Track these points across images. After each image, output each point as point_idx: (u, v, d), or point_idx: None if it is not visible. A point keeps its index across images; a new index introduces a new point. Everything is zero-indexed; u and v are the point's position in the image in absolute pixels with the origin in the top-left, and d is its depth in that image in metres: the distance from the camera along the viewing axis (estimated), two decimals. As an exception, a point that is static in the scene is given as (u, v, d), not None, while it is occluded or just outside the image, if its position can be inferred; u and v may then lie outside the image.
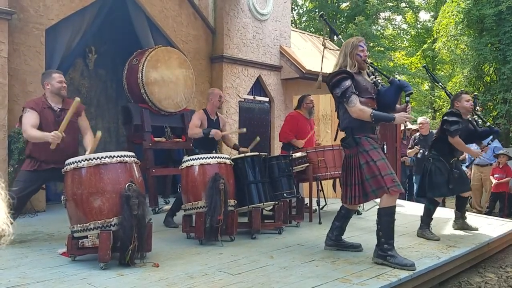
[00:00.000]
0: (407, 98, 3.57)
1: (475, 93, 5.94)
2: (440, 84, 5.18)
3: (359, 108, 3.45)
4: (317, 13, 22.86)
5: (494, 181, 7.79)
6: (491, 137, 4.80)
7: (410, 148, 7.68)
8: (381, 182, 3.41)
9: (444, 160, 4.63)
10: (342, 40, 4.06)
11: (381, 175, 3.41)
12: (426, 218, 4.60)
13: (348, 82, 3.48)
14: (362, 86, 3.55)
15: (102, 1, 6.59)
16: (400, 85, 3.59)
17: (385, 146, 6.46)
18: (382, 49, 21.50)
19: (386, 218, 3.45)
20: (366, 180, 3.48)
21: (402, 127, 7.17)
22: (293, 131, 5.87)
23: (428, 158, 4.77)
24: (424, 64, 5.53)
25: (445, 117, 4.60)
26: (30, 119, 3.87)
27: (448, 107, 5.13)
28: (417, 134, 7.75)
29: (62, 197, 3.45)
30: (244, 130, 5.44)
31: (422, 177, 4.81)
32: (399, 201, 3.62)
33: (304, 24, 24.40)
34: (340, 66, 3.64)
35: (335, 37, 4.89)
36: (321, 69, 4.29)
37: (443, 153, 4.65)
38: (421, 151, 7.31)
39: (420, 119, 7.88)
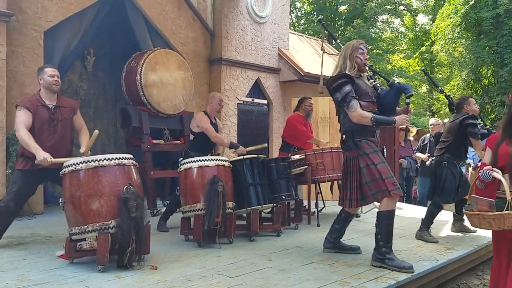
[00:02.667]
0: (407, 100, 3.58)
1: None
2: (439, 88, 5.19)
3: (359, 113, 3.45)
4: (315, 16, 22.92)
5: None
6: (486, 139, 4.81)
7: (419, 151, 7.53)
8: (381, 185, 3.41)
9: (457, 163, 4.65)
10: (341, 45, 4.07)
11: (382, 178, 3.41)
12: (427, 221, 4.60)
13: (348, 87, 3.48)
14: (362, 90, 3.55)
15: (101, 3, 6.59)
16: (400, 88, 3.59)
17: (385, 150, 6.43)
18: (380, 51, 21.57)
19: (385, 221, 3.45)
20: (366, 183, 3.47)
21: (403, 127, 7.10)
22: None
23: (443, 162, 4.67)
24: (423, 68, 5.54)
25: (470, 121, 4.56)
26: (23, 118, 3.79)
27: (446, 110, 5.13)
28: (427, 135, 7.61)
29: (60, 199, 3.45)
30: (265, 145, 5.39)
31: (435, 181, 4.73)
32: (397, 204, 3.64)
33: (302, 26, 24.46)
34: (340, 69, 3.63)
35: (333, 40, 4.90)
36: (322, 73, 4.29)
37: (457, 157, 4.66)
38: (431, 159, 7.13)
39: (432, 120, 7.77)
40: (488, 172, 2.60)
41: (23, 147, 3.85)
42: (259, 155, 4.81)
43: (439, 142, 4.93)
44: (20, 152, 3.93)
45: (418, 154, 7.41)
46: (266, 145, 5.26)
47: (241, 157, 4.71)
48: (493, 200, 2.58)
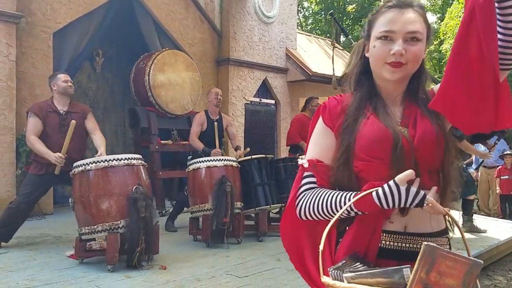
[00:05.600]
0: None
1: None
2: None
3: None
4: (323, 15, 22.89)
5: (502, 181, 7.67)
6: (496, 137, 4.75)
7: None
8: None
9: None
10: (352, 41, 4.04)
11: None
12: None
13: None
14: None
15: (109, 4, 6.62)
16: None
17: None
18: (388, 51, 21.44)
19: None
20: None
21: None
22: (300, 134, 5.86)
23: None
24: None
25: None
26: (33, 125, 3.87)
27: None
28: None
29: (70, 199, 3.47)
30: (248, 149, 5.34)
31: None
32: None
33: (310, 26, 24.41)
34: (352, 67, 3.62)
35: (341, 38, 4.88)
36: (333, 70, 4.28)
37: None
38: None
39: None
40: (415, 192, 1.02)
41: (35, 154, 3.93)
42: (267, 155, 4.80)
43: None
44: (33, 158, 4.00)
45: None
46: (248, 149, 5.23)
47: (249, 157, 4.70)
48: (480, 261, 1.00)
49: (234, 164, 4.40)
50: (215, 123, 4.93)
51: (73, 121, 3.81)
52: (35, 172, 3.94)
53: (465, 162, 4.98)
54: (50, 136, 3.90)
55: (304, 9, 24.74)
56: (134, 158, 3.47)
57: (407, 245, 1.10)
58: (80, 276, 3.16)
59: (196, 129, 4.90)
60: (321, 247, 1.00)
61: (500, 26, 0.99)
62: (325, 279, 1.00)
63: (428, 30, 1.16)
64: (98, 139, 4.00)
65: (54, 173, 3.88)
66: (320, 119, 1.22)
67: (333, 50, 4.41)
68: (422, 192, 1.01)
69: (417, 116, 1.14)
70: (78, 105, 4.22)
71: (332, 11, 4.75)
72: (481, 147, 5.92)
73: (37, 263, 3.53)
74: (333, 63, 4.24)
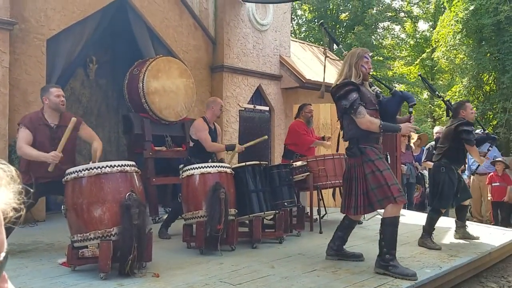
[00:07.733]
0: (410, 109, 3.60)
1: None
2: (437, 93, 5.21)
3: (368, 119, 3.47)
4: (316, 23, 23.05)
5: (493, 188, 7.71)
6: (488, 144, 4.81)
7: (427, 159, 7.50)
8: (387, 192, 3.40)
9: (455, 169, 4.65)
10: (343, 49, 4.08)
11: (387, 184, 3.41)
12: (429, 227, 4.59)
13: (355, 94, 3.49)
14: (366, 98, 3.57)
15: (103, 11, 6.63)
16: (403, 97, 3.63)
17: (388, 157, 6.42)
18: (381, 58, 21.63)
19: (390, 228, 3.44)
20: (372, 190, 3.47)
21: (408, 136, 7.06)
22: (299, 138, 5.87)
23: (441, 167, 4.70)
24: (419, 73, 5.55)
25: (464, 127, 4.59)
26: (23, 135, 3.81)
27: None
28: (433, 143, 7.60)
29: (62, 206, 3.44)
30: (266, 137, 5.39)
31: (434, 186, 4.74)
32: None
33: (303, 34, 24.56)
34: (345, 76, 3.64)
35: (334, 46, 4.93)
36: (324, 79, 4.31)
37: (455, 162, 4.66)
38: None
39: (436, 128, 7.78)
40: None
41: (26, 164, 3.85)
42: (261, 162, 4.81)
43: (436, 148, 4.95)
44: (23, 169, 3.86)
45: (428, 162, 7.38)
46: (266, 137, 5.26)
47: (243, 164, 4.70)
48: None
49: (228, 170, 4.40)
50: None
51: (74, 118, 3.78)
52: (24, 181, 3.84)
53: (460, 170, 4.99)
54: (40, 149, 3.80)
55: (298, 17, 24.90)
56: (128, 165, 3.46)
57: None
58: (72, 284, 3.13)
59: (208, 136, 4.92)
60: None
61: None
62: None
63: None
64: (96, 145, 3.99)
65: (44, 183, 3.80)
66: None
67: (325, 59, 4.44)
68: None
69: None
70: (69, 117, 4.17)
71: (322, 21, 4.82)
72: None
73: (29, 270, 3.50)
74: (324, 72, 4.27)
